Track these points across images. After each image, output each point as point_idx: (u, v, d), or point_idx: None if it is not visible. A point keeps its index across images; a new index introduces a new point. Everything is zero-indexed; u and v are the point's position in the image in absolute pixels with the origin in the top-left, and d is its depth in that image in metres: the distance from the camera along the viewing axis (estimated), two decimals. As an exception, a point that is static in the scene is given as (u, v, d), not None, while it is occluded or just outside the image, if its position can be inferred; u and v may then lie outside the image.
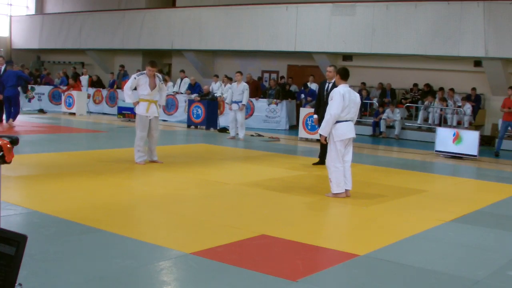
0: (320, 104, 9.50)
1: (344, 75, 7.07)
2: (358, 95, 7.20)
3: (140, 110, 8.80)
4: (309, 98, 16.92)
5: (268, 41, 18.64)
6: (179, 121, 17.95)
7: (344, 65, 18.24)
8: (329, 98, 7.05)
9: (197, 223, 5.51)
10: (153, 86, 8.78)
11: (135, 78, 8.82)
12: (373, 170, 9.90)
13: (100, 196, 6.43)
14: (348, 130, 6.94)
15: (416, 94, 17.18)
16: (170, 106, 18.46)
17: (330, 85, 9.28)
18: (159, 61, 23.24)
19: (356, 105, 7.05)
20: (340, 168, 6.94)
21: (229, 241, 4.80)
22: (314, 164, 9.84)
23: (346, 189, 7.02)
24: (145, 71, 8.88)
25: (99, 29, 22.88)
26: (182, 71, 19.78)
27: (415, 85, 17.23)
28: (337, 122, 6.90)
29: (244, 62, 20.19)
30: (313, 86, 17.64)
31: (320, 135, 7.17)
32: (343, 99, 6.82)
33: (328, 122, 6.89)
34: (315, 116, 9.63)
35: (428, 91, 16.74)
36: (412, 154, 12.78)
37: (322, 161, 9.45)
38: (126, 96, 8.86)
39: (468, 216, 6.42)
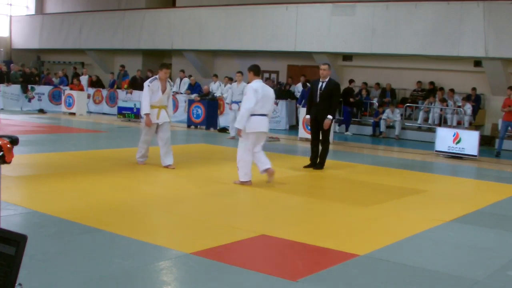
0: (312, 103, 9.32)
1: (256, 71, 7.54)
2: (271, 90, 7.64)
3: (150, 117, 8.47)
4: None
5: (268, 41, 18.64)
6: (179, 121, 17.94)
7: (340, 65, 18.37)
8: (243, 94, 7.53)
9: (197, 223, 5.51)
10: (164, 90, 8.52)
11: (148, 85, 8.42)
12: (373, 170, 9.90)
13: (100, 196, 6.43)
14: (260, 124, 7.37)
15: (419, 92, 17.13)
16: (170, 106, 18.45)
17: (324, 84, 9.16)
18: (159, 61, 23.25)
19: (270, 99, 7.49)
20: (250, 161, 7.37)
21: (229, 241, 4.80)
22: (305, 166, 9.35)
23: (267, 168, 7.40)
24: (156, 76, 8.55)
25: (99, 29, 22.88)
26: (182, 71, 19.77)
27: (419, 82, 17.18)
28: (252, 115, 7.28)
29: (244, 62, 20.13)
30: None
31: (237, 128, 7.55)
32: (256, 94, 7.24)
33: (242, 116, 7.29)
34: (307, 116, 9.42)
35: (432, 89, 16.72)
36: (412, 154, 12.78)
37: (313, 163, 9.37)
38: (145, 107, 8.40)
39: (468, 216, 6.41)
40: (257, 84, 7.39)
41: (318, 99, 9.18)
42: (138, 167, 8.58)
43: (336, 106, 9.46)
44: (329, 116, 9.00)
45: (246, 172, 7.36)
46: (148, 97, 8.39)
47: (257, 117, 7.31)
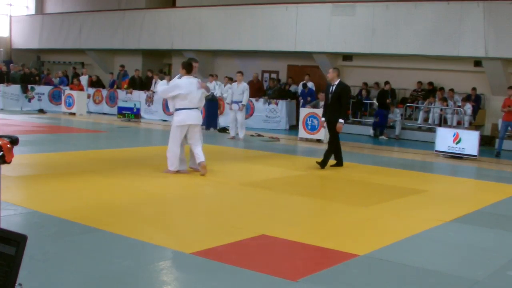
0: (327, 106, 9.69)
1: (188, 69, 7.99)
2: (195, 87, 7.96)
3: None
4: (308, 98, 16.88)
5: (268, 41, 18.63)
6: (179, 121, 17.89)
7: (340, 65, 18.36)
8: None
9: (197, 223, 5.52)
10: None
11: None
12: (373, 170, 9.90)
13: (100, 196, 6.43)
14: (188, 117, 7.86)
15: (419, 92, 17.10)
16: (170, 106, 18.42)
17: (334, 87, 9.50)
18: (159, 61, 23.27)
19: (197, 95, 7.90)
20: (177, 152, 7.90)
21: (229, 241, 4.80)
22: (332, 166, 9.53)
23: (200, 161, 7.91)
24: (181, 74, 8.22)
25: (99, 29, 22.87)
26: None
27: (419, 82, 17.13)
28: (180, 109, 7.84)
29: (244, 62, 20.18)
30: (310, 84, 17.68)
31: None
32: (176, 88, 7.78)
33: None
34: (323, 118, 9.80)
35: (431, 90, 16.69)
36: (412, 154, 12.78)
37: (339, 162, 9.62)
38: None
39: (468, 216, 6.41)
40: (185, 80, 7.88)
41: (329, 101, 9.56)
42: (138, 167, 8.57)
43: (345, 108, 9.86)
44: (341, 120, 9.31)
45: (172, 162, 7.94)
46: None
47: (185, 111, 7.84)
